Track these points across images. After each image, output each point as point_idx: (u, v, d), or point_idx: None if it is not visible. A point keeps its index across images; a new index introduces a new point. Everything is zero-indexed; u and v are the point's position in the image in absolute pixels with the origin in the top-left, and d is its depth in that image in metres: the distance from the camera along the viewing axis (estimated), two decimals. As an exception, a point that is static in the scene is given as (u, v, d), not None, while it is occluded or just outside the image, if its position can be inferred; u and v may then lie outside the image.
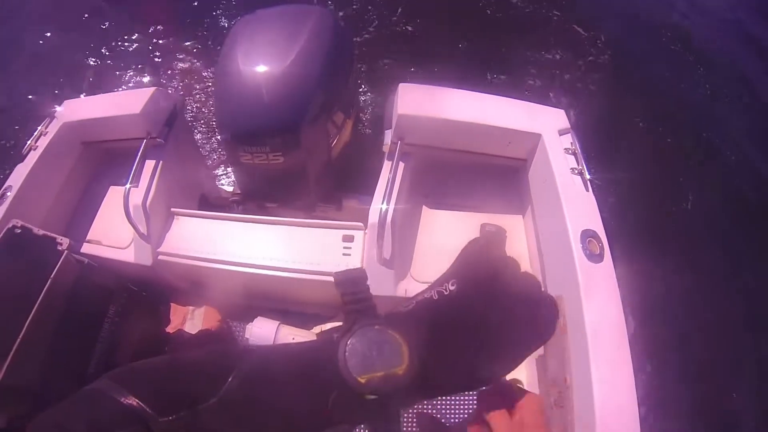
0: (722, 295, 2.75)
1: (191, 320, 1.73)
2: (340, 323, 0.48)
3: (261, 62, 1.63)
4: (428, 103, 1.61)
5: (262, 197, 1.90)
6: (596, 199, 1.50)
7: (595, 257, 1.41)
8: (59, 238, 1.41)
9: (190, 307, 1.78)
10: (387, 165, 1.62)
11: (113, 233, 1.67)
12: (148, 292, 1.68)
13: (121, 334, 1.56)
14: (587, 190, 1.51)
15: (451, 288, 0.47)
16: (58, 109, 1.74)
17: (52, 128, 1.67)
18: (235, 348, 0.72)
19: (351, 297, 0.49)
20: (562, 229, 1.46)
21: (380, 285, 1.53)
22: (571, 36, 3.80)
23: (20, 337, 1.22)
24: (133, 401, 0.42)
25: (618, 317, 1.33)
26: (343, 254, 1.60)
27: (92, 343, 1.48)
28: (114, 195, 1.80)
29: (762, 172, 3.21)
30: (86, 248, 1.66)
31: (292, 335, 1.62)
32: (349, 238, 1.63)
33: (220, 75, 1.71)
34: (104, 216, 1.76)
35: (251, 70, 1.62)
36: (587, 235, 1.44)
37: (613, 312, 1.34)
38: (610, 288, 1.37)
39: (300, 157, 1.70)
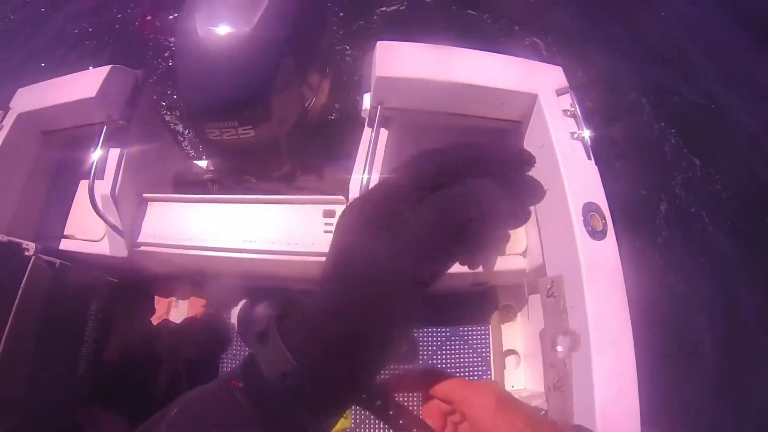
0: (736, 280, 2.44)
1: (176, 308, 1.70)
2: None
3: (222, 27, 1.45)
4: (409, 63, 1.44)
5: (237, 173, 1.78)
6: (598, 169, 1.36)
7: (598, 234, 1.30)
8: (25, 244, 1.34)
9: (173, 298, 1.73)
10: (367, 132, 1.49)
11: (87, 226, 1.59)
12: (129, 283, 1.64)
13: (106, 330, 1.54)
14: (589, 158, 1.37)
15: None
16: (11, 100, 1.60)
17: (8, 120, 1.54)
18: None
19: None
20: (562, 202, 1.34)
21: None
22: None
23: None
24: None
25: (621, 301, 1.25)
26: (325, 231, 1.49)
27: (78, 343, 1.47)
28: (84, 185, 1.69)
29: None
30: (63, 244, 1.59)
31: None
32: (330, 213, 1.51)
33: (178, 46, 1.54)
34: (77, 208, 1.66)
35: (211, 37, 1.44)
36: (589, 209, 1.32)
37: (615, 295, 1.25)
38: (613, 269, 1.28)
39: (272, 128, 1.56)
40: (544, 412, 1.43)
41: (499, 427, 0.39)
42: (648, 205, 2.52)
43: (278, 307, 0.37)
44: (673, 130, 2.74)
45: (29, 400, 1.30)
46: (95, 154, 1.47)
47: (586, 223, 1.30)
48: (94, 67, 1.57)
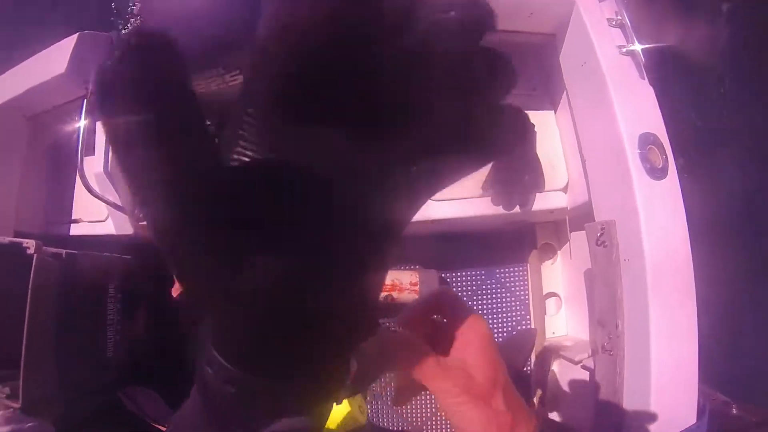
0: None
1: (195, 276, 1.62)
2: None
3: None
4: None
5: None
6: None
7: (657, 172, 1.07)
8: (25, 242, 1.27)
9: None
10: None
11: (92, 207, 1.50)
12: (145, 258, 1.58)
13: (128, 309, 1.50)
14: (642, 77, 1.09)
15: None
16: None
17: (-13, 113, 1.43)
18: None
19: None
20: (613, 132, 1.10)
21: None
22: None
23: (23, 356, 1.18)
24: None
25: (684, 252, 1.04)
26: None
27: (102, 327, 1.44)
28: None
29: None
30: (73, 229, 1.54)
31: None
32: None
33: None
34: (80, 189, 1.57)
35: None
36: (647, 141, 1.08)
37: (678, 245, 1.04)
38: (676, 214, 1.05)
39: (266, 70, 1.36)
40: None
41: (485, 354, 0.35)
42: (710, 138, 2.08)
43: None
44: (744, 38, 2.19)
45: (63, 393, 1.31)
46: (80, 131, 1.34)
47: (644, 158, 1.07)
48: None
